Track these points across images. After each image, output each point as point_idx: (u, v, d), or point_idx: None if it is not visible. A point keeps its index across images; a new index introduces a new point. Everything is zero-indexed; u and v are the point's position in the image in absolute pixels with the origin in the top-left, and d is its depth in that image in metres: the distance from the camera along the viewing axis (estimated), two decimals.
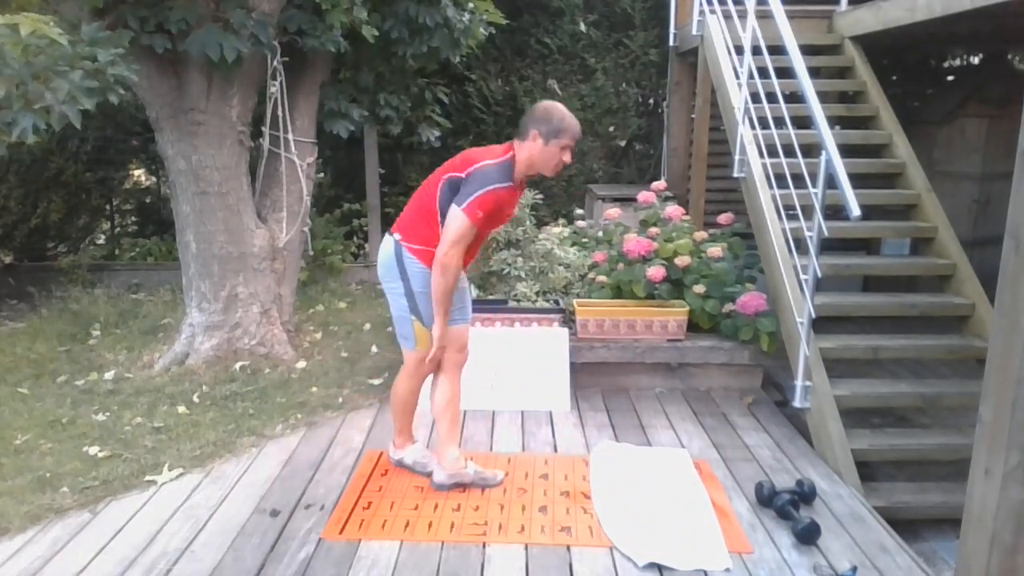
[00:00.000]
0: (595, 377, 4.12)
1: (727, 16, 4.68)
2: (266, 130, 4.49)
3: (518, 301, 4.26)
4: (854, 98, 5.00)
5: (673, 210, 4.58)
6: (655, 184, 4.91)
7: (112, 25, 3.63)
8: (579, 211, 6.05)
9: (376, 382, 4.16)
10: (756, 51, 4.03)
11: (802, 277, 3.49)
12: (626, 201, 5.67)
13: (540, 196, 5.01)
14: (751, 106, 4.15)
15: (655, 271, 4.11)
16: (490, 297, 4.42)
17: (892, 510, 3.12)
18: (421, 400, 3.13)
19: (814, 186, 3.33)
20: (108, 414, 3.72)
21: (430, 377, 3.03)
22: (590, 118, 7.27)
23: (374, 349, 4.72)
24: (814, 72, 4.27)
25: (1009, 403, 1.80)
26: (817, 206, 3.29)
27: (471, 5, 4.94)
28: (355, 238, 6.95)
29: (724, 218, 4.73)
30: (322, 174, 6.79)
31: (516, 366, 3.88)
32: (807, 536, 2.64)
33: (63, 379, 4.20)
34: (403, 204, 3.05)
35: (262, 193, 4.64)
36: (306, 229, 4.81)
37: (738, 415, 3.84)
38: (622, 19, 7.25)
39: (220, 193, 4.26)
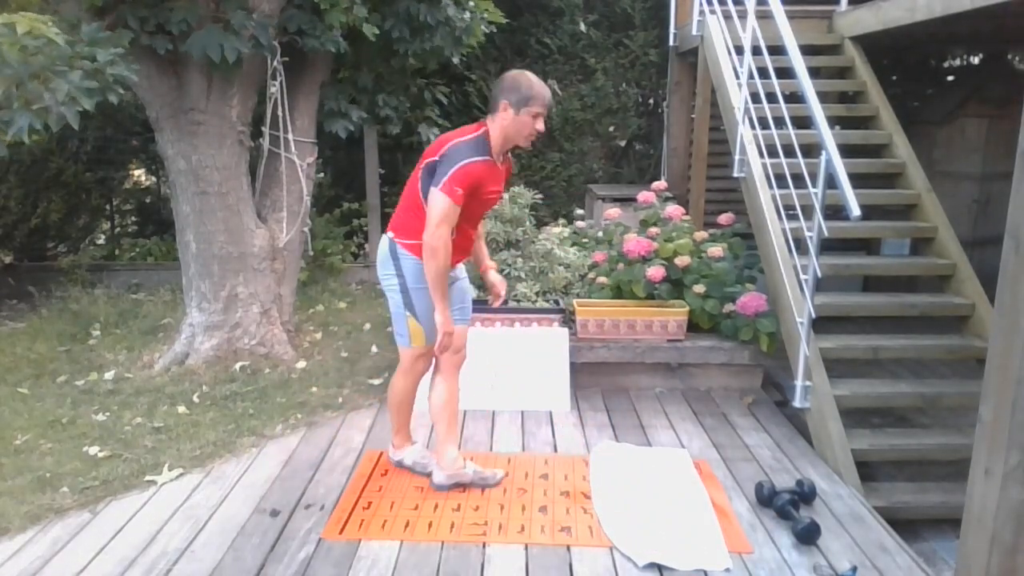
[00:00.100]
0: (595, 377, 4.12)
1: (727, 16, 4.68)
2: (266, 130, 4.49)
3: (518, 301, 4.26)
4: (854, 98, 5.00)
5: (673, 210, 4.58)
6: (655, 184, 4.91)
7: (112, 25, 3.63)
8: (579, 211, 6.05)
9: (376, 382, 4.16)
10: (756, 51, 4.03)
11: (802, 277, 3.49)
12: (626, 201, 5.67)
13: (540, 196, 5.00)
14: (751, 106, 4.15)
15: (655, 271, 4.11)
16: (490, 297, 4.41)
17: (892, 510, 3.12)
18: (420, 401, 3.12)
19: (814, 186, 3.33)
20: (108, 414, 3.72)
21: (428, 377, 3.03)
22: (590, 118, 7.27)
23: (374, 349, 4.72)
24: (814, 72, 4.27)
25: (1009, 403, 1.80)
26: (817, 206, 3.29)
27: (471, 4, 4.94)
28: (355, 238, 6.95)
29: (724, 218, 4.73)
30: (322, 174, 6.80)
31: (516, 366, 3.88)
32: (807, 536, 2.64)
33: (63, 379, 4.20)
34: None
35: (262, 193, 4.64)
36: (306, 229, 4.81)
37: (738, 415, 3.84)
38: (622, 19, 7.25)
39: (220, 193, 4.26)
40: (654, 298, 4.19)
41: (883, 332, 3.93)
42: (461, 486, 3.00)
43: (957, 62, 6.91)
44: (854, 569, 2.48)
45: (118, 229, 7.58)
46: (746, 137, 4.24)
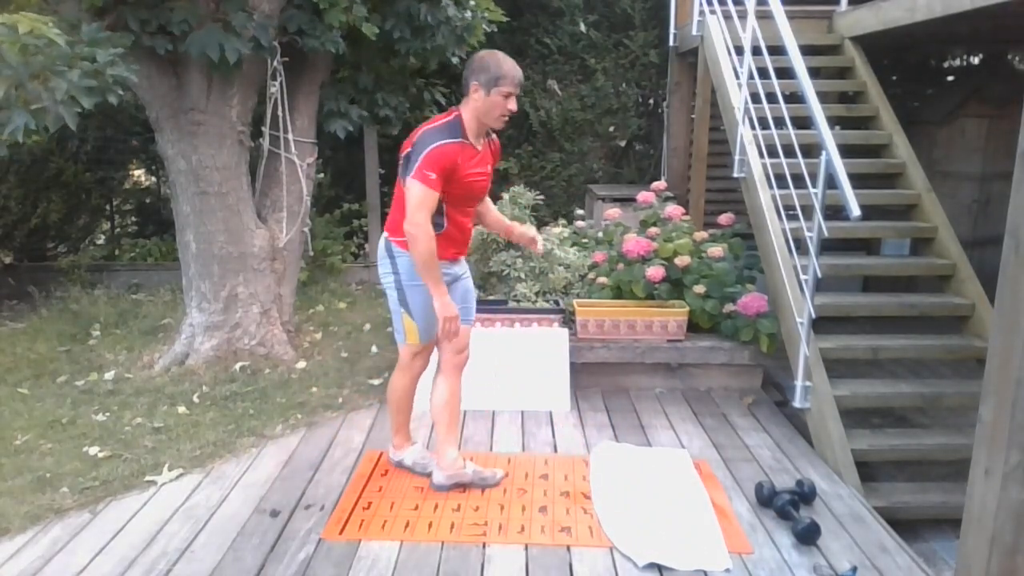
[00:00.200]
0: (595, 377, 4.12)
1: (727, 16, 4.68)
2: (266, 130, 4.49)
3: (518, 301, 4.26)
4: (854, 98, 5.00)
5: (673, 210, 4.58)
6: (655, 184, 4.91)
7: (112, 26, 3.63)
8: (579, 211, 6.05)
9: (376, 382, 4.15)
10: (756, 51, 4.03)
11: (802, 277, 3.49)
12: (626, 201, 5.67)
13: (540, 196, 5.01)
14: (751, 106, 4.15)
15: (654, 271, 4.11)
16: (490, 298, 4.42)
17: (892, 510, 3.13)
18: (420, 401, 3.12)
19: (814, 186, 3.33)
20: (108, 414, 3.72)
21: (430, 377, 3.03)
22: (590, 118, 7.27)
23: (374, 349, 4.72)
24: (814, 72, 4.27)
25: (1009, 403, 1.80)
26: (817, 206, 3.29)
27: (472, 3, 4.94)
28: (355, 238, 6.95)
29: (724, 218, 4.73)
30: (322, 174, 6.79)
31: (516, 366, 3.88)
32: (807, 536, 2.64)
33: (63, 379, 4.20)
34: None
35: (262, 193, 4.64)
36: (306, 229, 4.81)
37: (738, 415, 3.84)
38: (622, 19, 7.25)
39: (220, 193, 4.26)
40: (654, 298, 4.19)
41: (883, 332, 3.93)
42: (461, 486, 3.00)
43: (957, 62, 6.91)
44: (854, 569, 2.48)
45: (118, 229, 7.58)
46: (746, 137, 4.24)
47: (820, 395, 3.43)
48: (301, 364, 4.42)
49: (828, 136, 3.30)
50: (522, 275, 4.43)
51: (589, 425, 3.69)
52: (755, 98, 4.09)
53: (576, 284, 4.56)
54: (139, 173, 7.74)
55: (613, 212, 4.89)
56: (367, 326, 5.21)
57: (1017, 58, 6.57)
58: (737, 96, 4.37)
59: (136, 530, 2.72)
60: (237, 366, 4.29)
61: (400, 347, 2.95)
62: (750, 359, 4.09)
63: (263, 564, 2.51)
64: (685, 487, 3.02)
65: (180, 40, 3.81)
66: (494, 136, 2.90)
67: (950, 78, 6.89)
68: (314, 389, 4.06)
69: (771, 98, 3.92)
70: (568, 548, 2.62)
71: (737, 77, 4.42)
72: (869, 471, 3.40)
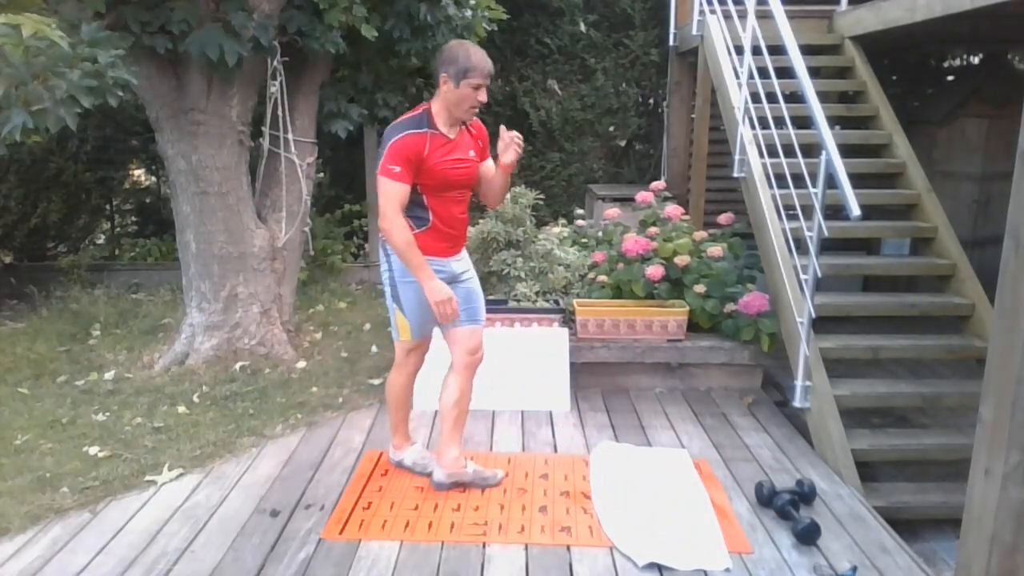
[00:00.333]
0: (595, 377, 4.12)
1: (727, 16, 4.68)
2: (266, 130, 4.49)
3: (518, 301, 4.26)
4: (854, 98, 5.00)
5: (672, 210, 4.58)
6: (654, 184, 4.91)
7: (112, 25, 3.63)
8: (579, 211, 6.04)
9: (376, 382, 4.15)
10: (756, 51, 4.03)
11: (802, 277, 3.49)
12: (626, 201, 5.66)
13: (540, 196, 5.01)
14: (751, 106, 4.15)
15: (653, 270, 4.11)
16: (490, 297, 4.41)
17: (892, 510, 3.12)
18: (420, 401, 3.12)
19: (814, 186, 3.33)
20: (108, 414, 3.72)
21: (429, 377, 3.03)
22: (590, 118, 7.27)
23: (374, 349, 4.72)
24: (814, 72, 4.27)
25: (1009, 403, 1.80)
26: (817, 206, 3.29)
27: (472, 2, 4.94)
28: (355, 238, 6.95)
29: (724, 218, 4.73)
30: (322, 174, 6.80)
31: (516, 366, 3.88)
32: (807, 536, 2.64)
33: (63, 379, 4.20)
34: None
35: (262, 193, 4.64)
36: (307, 229, 4.81)
37: (738, 415, 3.84)
38: (622, 19, 7.25)
39: (220, 193, 4.26)
40: (653, 297, 4.19)
41: (883, 332, 3.93)
42: (461, 485, 3.00)
43: (957, 62, 6.91)
44: (854, 569, 2.48)
45: (118, 229, 7.58)
46: (746, 137, 4.24)
47: (820, 395, 3.43)
48: (301, 364, 4.42)
49: (828, 136, 3.30)
50: (522, 275, 4.43)
51: (589, 425, 3.69)
52: (755, 98, 4.09)
53: (576, 284, 4.56)
54: (139, 173, 7.74)
55: (613, 212, 4.89)
56: (367, 326, 5.21)
57: (1017, 58, 6.57)
58: (737, 96, 4.37)
59: (136, 530, 2.72)
60: (237, 366, 4.29)
61: (395, 344, 2.97)
62: (750, 359, 4.09)
63: (263, 564, 2.51)
64: (685, 487, 3.02)
65: (180, 40, 3.81)
66: (476, 119, 2.83)
67: (950, 78, 6.89)
68: (314, 389, 4.06)
69: (771, 98, 3.92)
70: (568, 548, 2.61)
71: (737, 77, 4.42)
72: (869, 471, 3.40)
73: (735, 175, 4.32)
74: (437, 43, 4.67)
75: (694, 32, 5.39)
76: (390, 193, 2.60)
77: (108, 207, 7.45)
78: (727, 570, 2.48)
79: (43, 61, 2.96)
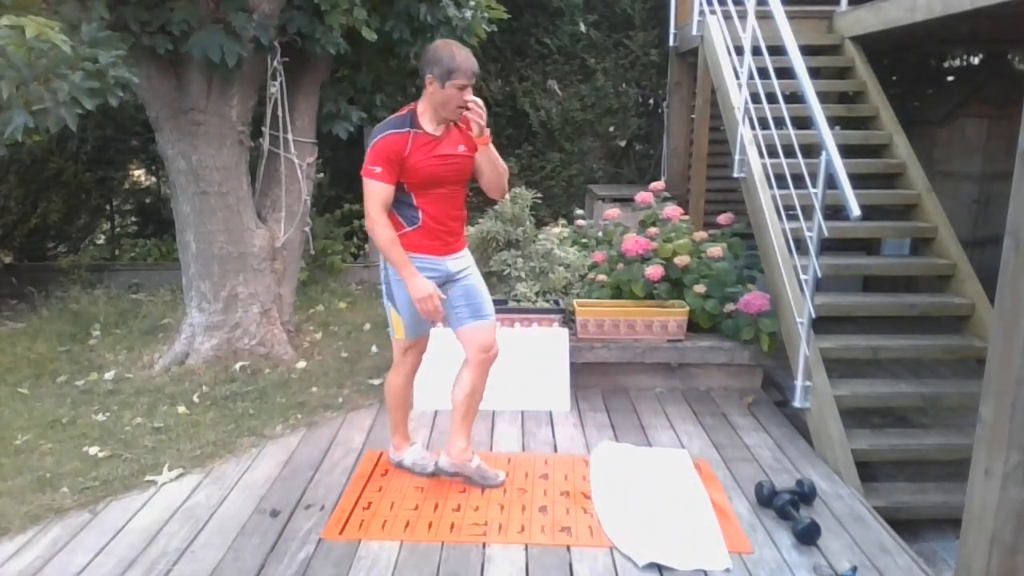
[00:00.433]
0: (595, 377, 4.12)
1: (727, 16, 4.68)
2: (266, 130, 4.49)
3: (518, 301, 4.26)
4: (854, 98, 5.00)
5: (672, 210, 4.58)
6: (653, 184, 4.91)
7: (112, 25, 3.63)
8: (579, 211, 6.04)
9: (376, 382, 4.15)
10: (756, 51, 4.03)
11: (802, 277, 3.49)
12: (626, 201, 5.66)
13: (540, 196, 5.01)
14: (751, 106, 4.15)
15: (653, 270, 4.11)
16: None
17: (892, 510, 3.12)
18: (420, 401, 3.12)
19: (814, 186, 3.34)
20: (108, 414, 3.72)
21: (430, 377, 3.03)
22: (590, 118, 7.27)
23: (374, 349, 4.72)
24: (814, 72, 4.27)
25: (1009, 403, 1.80)
26: (817, 206, 3.29)
27: (472, 2, 4.94)
28: (355, 238, 6.95)
29: (724, 218, 4.73)
30: (322, 174, 6.79)
31: (516, 366, 3.87)
32: (807, 536, 2.64)
33: (63, 379, 4.20)
34: None
35: (262, 193, 4.64)
36: (307, 229, 4.81)
37: (738, 415, 3.84)
38: (622, 19, 7.25)
39: (220, 193, 4.26)
40: (653, 297, 4.19)
41: (883, 332, 3.93)
42: (462, 476, 3.00)
43: (957, 62, 6.91)
44: (854, 569, 2.48)
45: (118, 229, 7.58)
46: (746, 137, 4.24)
47: (820, 395, 3.43)
48: (301, 364, 4.42)
49: (828, 136, 3.30)
50: (522, 275, 4.43)
51: (589, 425, 3.69)
52: (755, 98, 4.09)
53: (576, 284, 4.56)
54: (139, 173, 7.75)
55: (613, 212, 4.89)
56: (367, 326, 5.21)
57: (1017, 58, 6.57)
58: (737, 96, 4.37)
59: (136, 530, 2.72)
60: (237, 366, 4.29)
61: (392, 343, 2.98)
62: (750, 359, 4.09)
63: (263, 564, 2.51)
64: (685, 487, 3.02)
65: (180, 40, 3.81)
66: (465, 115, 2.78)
67: (950, 78, 6.89)
68: (314, 389, 4.06)
69: (771, 98, 3.92)
70: (568, 548, 2.61)
71: (737, 77, 4.42)
72: (869, 471, 3.40)
73: (735, 175, 4.32)
74: None
75: (694, 32, 5.39)
76: (372, 193, 2.66)
77: (108, 207, 7.45)
78: (727, 570, 2.48)
79: (45, 63, 2.96)
